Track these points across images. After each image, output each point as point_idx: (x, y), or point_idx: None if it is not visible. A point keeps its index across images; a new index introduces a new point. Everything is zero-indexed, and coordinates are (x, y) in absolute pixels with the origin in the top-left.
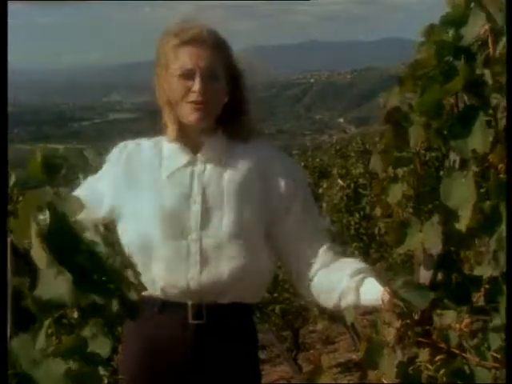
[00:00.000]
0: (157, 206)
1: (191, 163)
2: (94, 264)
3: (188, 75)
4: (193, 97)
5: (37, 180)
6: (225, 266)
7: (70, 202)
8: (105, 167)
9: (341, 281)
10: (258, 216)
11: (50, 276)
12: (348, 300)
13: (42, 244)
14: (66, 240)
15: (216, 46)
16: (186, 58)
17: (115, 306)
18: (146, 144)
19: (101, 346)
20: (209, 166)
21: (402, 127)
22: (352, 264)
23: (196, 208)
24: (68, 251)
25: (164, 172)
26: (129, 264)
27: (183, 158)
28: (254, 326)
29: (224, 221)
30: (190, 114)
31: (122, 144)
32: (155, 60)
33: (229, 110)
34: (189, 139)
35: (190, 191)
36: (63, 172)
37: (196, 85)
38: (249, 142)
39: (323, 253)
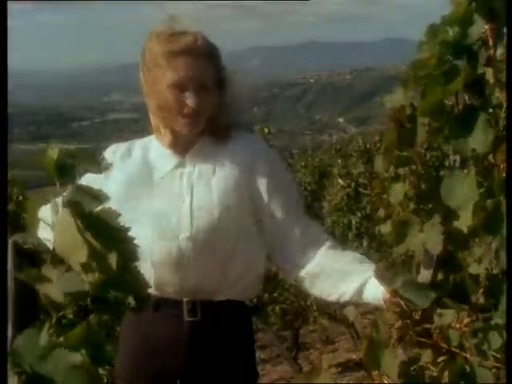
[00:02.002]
0: (147, 208)
1: (180, 165)
2: (121, 255)
3: (181, 87)
4: (186, 109)
5: (50, 179)
6: (217, 264)
7: (93, 195)
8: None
9: (345, 272)
10: (248, 212)
11: (59, 272)
12: (350, 294)
13: (84, 238)
14: (93, 232)
15: (209, 56)
16: (179, 69)
17: (131, 300)
18: (136, 146)
19: (105, 347)
20: (197, 167)
21: (405, 127)
22: (356, 258)
23: (186, 208)
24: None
25: (154, 175)
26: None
27: (173, 160)
28: (250, 322)
29: (214, 220)
30: (182, 125)
31: (113, 146)
32: (141, 60)
33: (216, 112)
34: (178, 142)
35: (179, 192)
36: (77, 171)
37: (190, 99)
38: (234, 139)
39: (320, 241)
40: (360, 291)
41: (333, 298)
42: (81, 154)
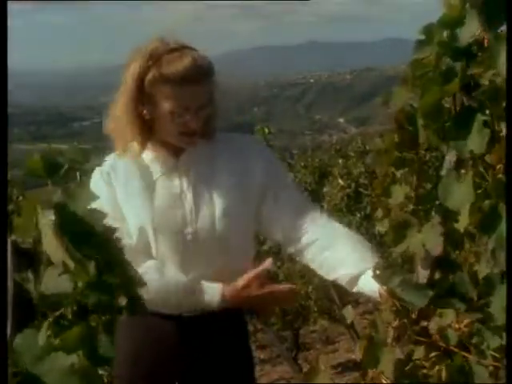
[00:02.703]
0: (150, 208)
1: (176, 167)
2: (106, 258)
3: (180, 111)
4: (185, 129)
5: (37, 179)
6: (220, 255)
7: (82, 195)
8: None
9: (347, 257)
10: (246, 204)
11: (54, 273)
12: (346, 279)
13: (59, 240)
14: (78, 235)
15: (207, 75)
16: (180, 97)
17: (122, 301)
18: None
19: (104, 347)
20: (193, 166)
21: (406, 129)
22: (360, 245)
23: (188, 204)
24: (81, 246)
25: (151, 176)
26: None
27: (166, 163)
28: (244, 317)
29: (216, 213)
30: (181, 142)
31: (97, 170)
32: (126, 73)
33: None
34: (169, 146)
35: (180, 190)
36: (64, 170)
37: (190, 121)
38: (226, 137)
39: (319, 223)
40: (356, 280)
41: (331, 277)
42: (71, 153)
